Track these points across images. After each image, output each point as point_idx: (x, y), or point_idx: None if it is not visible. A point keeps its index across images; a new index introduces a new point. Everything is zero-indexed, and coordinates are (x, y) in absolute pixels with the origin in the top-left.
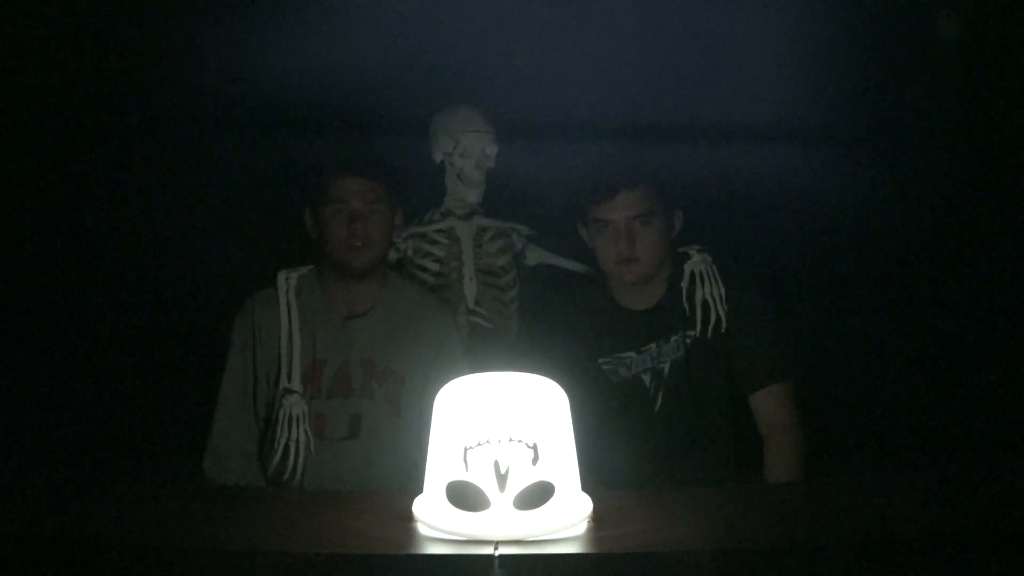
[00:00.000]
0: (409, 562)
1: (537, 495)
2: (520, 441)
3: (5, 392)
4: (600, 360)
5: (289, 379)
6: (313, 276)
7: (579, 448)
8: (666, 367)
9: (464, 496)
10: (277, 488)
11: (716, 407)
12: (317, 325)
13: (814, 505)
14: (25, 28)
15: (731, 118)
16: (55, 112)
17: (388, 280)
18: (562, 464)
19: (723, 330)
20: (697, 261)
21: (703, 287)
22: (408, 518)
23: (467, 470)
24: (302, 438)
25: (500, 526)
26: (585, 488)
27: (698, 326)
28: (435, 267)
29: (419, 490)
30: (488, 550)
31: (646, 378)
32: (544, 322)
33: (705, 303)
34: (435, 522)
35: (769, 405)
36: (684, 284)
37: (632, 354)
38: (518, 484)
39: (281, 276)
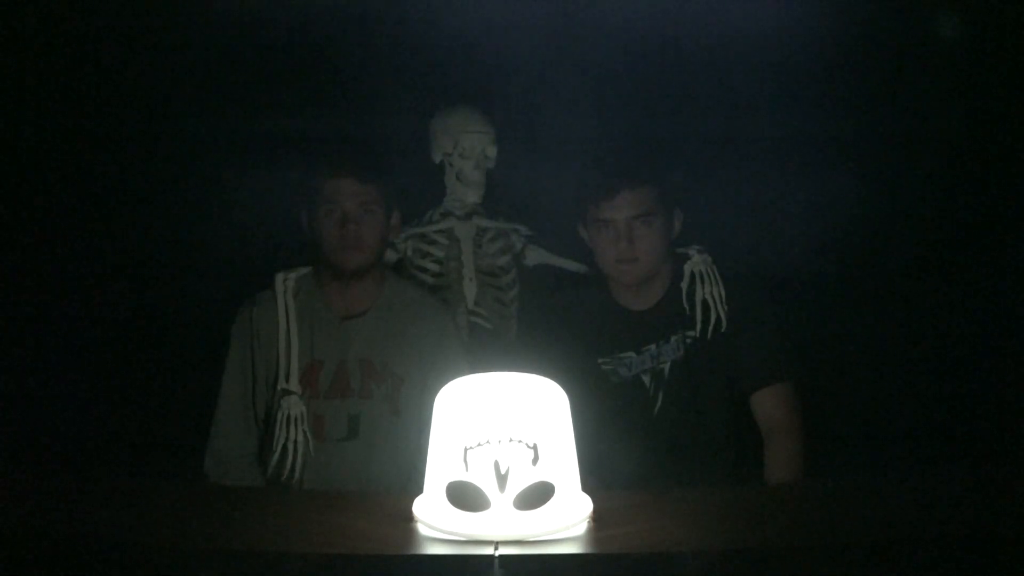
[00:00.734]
0: (409, 562)
1: (537, 495)
2: (520, 441)
3: (5, 392)
4: (600, 360)
5: (287, 380)
6: (311, 277)
7: (579, 448)
8: (666, 367)
9: (464, 496)
10: (277, 488)
11: (716, 407)
12: (315, 326)
13: (814, 505)
14: (24, 26)
15: (732, 118)
16: (55, 112)
17: (386, 280)
18: (562, 464)
19: (723, 330)
20: (697, 261)
21: (703, 287)
22: (408, 518)
23: (467, 470)
24: (300, 439)
25: (500, 526)
26: (585, 488)
27: (698, 326)
28: (435, 267)
29: (419, 490)
30: (488, 550)
31: (646, 378)
32: (544, 322)
33: (705, 303)
34: (435, 522)
35: (769, 405)
36: (684, 284)
37: (632, 354)
38: (518, 484)
39: (279, 277)
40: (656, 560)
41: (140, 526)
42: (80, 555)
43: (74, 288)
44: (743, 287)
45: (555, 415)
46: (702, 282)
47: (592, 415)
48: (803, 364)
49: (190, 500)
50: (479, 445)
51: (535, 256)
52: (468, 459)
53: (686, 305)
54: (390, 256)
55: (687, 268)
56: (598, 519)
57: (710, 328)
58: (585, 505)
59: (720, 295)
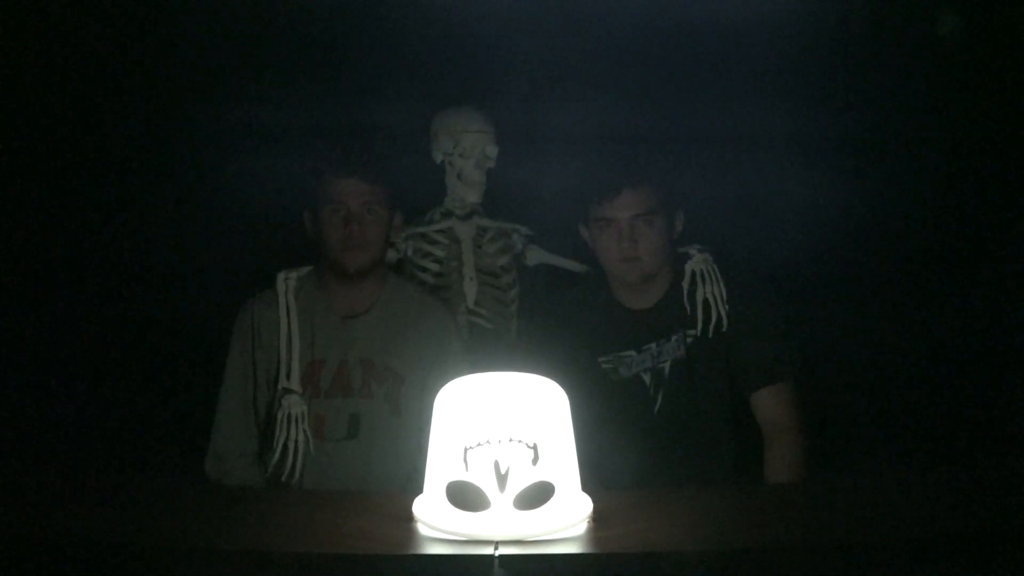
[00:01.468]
0: (409, 562)
1: (537, 495)
2: (520, 441)
3: (5, 393)
4: (600, 360)
5: (288, 379)
6: (312, 277)
7: (579, 448)
8: (667, 367)
9: (464, 496)
10: (277, 488)
11: (717, 407)
12: (316, 325)
13: (814, 505)
14: (26, 28)
15: (733, 118)
16: (56, 113)
17: (387, 280)
18: (562, 464)
19: (724, 330)
20: (698, 261)
21: (704, 287)
22: (408, 518)
23: (467, 470)
24: (301, 438)
25: (500, 526)
26: (585, 488)
27: (699, 325)
28: (435, 267)
29: (419, 490)
30: (488, 550)
31: (646, 378)
32: (544, 322)
33: (706, 302)
34: (435, 522)
35: (770, 405)
36: (685, 284)
37: (632, 353)
38: (518, 484)
39: (280, 277)
40: (656, 560)
41: (140, 526)
42: (79, 555)
43: (74, 288)
44: (744, 286)
45: (555, 415)
46: (703, 281)
47: (592, 414)
48: (803, 364)
49: (190, 500)
50: (479, 445)
51: (535, 256)
52: (468, 459)
53: (687, 304)
54: (391, 256)
55: (688, 267)
56: (598, 519)
57: (711, 327)
58: (585, 505)
59: (721, 294)
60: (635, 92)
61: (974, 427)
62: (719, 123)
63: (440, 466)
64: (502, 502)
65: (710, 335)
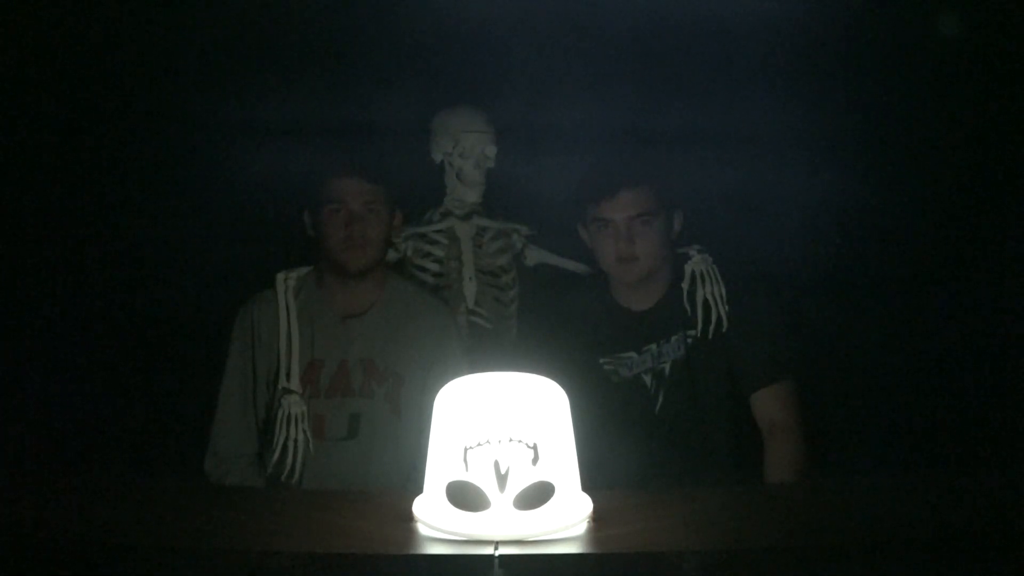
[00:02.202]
0: (409, 562)
1: (537, 495)
2: (520, 441)
3: (5, 392)
4: (601, 360)
5: (288, 379)
6: (312, 277)
7: (579, 448)
8: (667, 367)
9: (464, 496)
10: (277, 488)
11: (717, 407)
12: (316, 325)
13: (814, 505)
14: (25, 25)
15: (732, 118)
16: (56, 112)
17: (387, 280)
18: (562, 464)
19: (724, 330)
20: (698, 261)
21: (704, 287)
22: (408, 518)
23: (467, 470)
24: (300, 438)
25: (500, 526)
26: (585, 488)
27: (699, 326)
28: (435, 267)
29: (419, 490)
30: (488, 550)
31: (647, 378)
32: (544, 322)
33: (706, 303)
34: (435, 522)
35: (770, 405)
36: (685, 284)
37: (633, 354)
38: (518, 484)
39: (280, 277)
40: (656, 560)
41: (140, 526)
42: (80, 555)
43: (74, 288)
44: (744, 287)
45: (555, 415)
46: (703, 282)
47: (592, 415)
48: (803, 364)
49: (190, 500)
50: (479, 445)
51: (535, 256)
52: (468, 459)
53: (687, 305)
54: (390, 256)
55: (688, 268)
56: (598, 519)
57: (711, 328)
58: (585, 505)
59: (721, 295)
60: (635, 92)
61: (974, 427)
62: (719, 123)
63: (440, 466)
64: (502, 502)
65: (710, 336)
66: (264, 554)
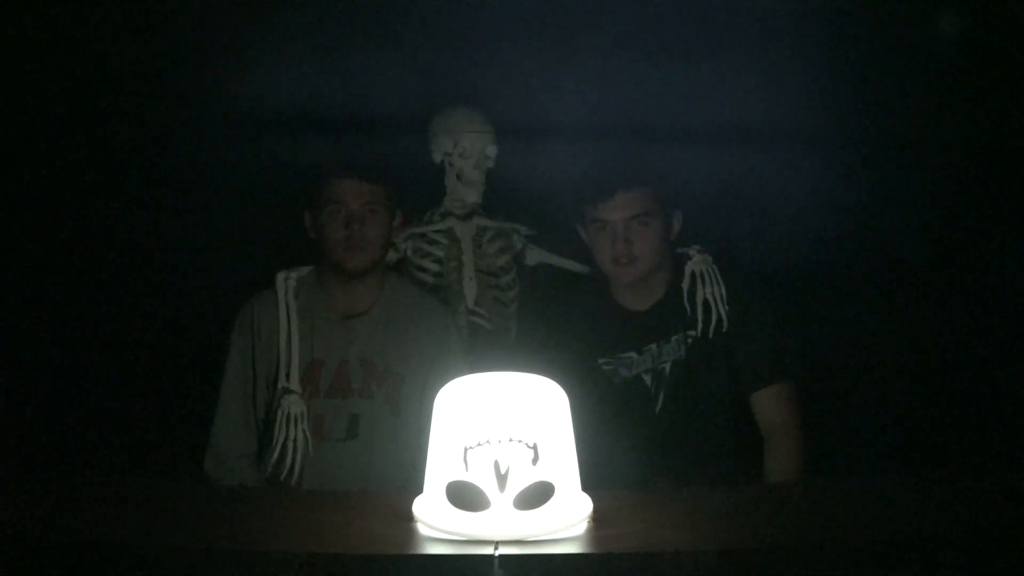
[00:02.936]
0: (409, 562)
1: (537, 495)
2: (520, 441)
3: (6, 393)
4: (601, 360)
5: (288, 379)
6: (312, 277)
7: (579, 448)
8: (667, 367)
9: (464, 496)
10: (277, 488)
11: (717, 407)
12: (316, 325)
13: (814, 505)
14: (27, 31)
15: (731, 118)
16: (56, 113)
17: (387, 280)
18: (562, 464)
19: (724, 330)
20: (698, 261)
21: (704, 287)
22: (408, 518)
23: (467, 470)
24: (300, 438)
25: (500, 526)
26: (585, 488)
27: (699, 326)
28: (435, 267)
29: (419, 490)
30: (488, 550)
31: (647, 378)
32: (544, 322)
33: (706, 303)
34: (435, 522)
35: (770, 405)
36: (685, 284)
37: (633, 354)
38: (518, 484)
39: (280, 277)
40: (656, 560)
41: (140, 526)
42: (80, 555)
43: (74, 288)
44: (744, 287)
45: (555, 415)
46: (703, 282)
47: (592, 415)
48: (803, 364)
49: (190, 500)
50: (479, 445)
51: (535, 256)
52: (468, 459)
53: (687, 305)
54: (390, 256)
55: (688, 268)
56: (598, 519)
57: (711, 328)
58: (585, 505)
59: (721, 295)
60: (636, 92)
61: (974, 427)
62: (719, 122)
63: (440, 466)
64: (502, 502)
65: (710, 336)
66: (264, 554)
